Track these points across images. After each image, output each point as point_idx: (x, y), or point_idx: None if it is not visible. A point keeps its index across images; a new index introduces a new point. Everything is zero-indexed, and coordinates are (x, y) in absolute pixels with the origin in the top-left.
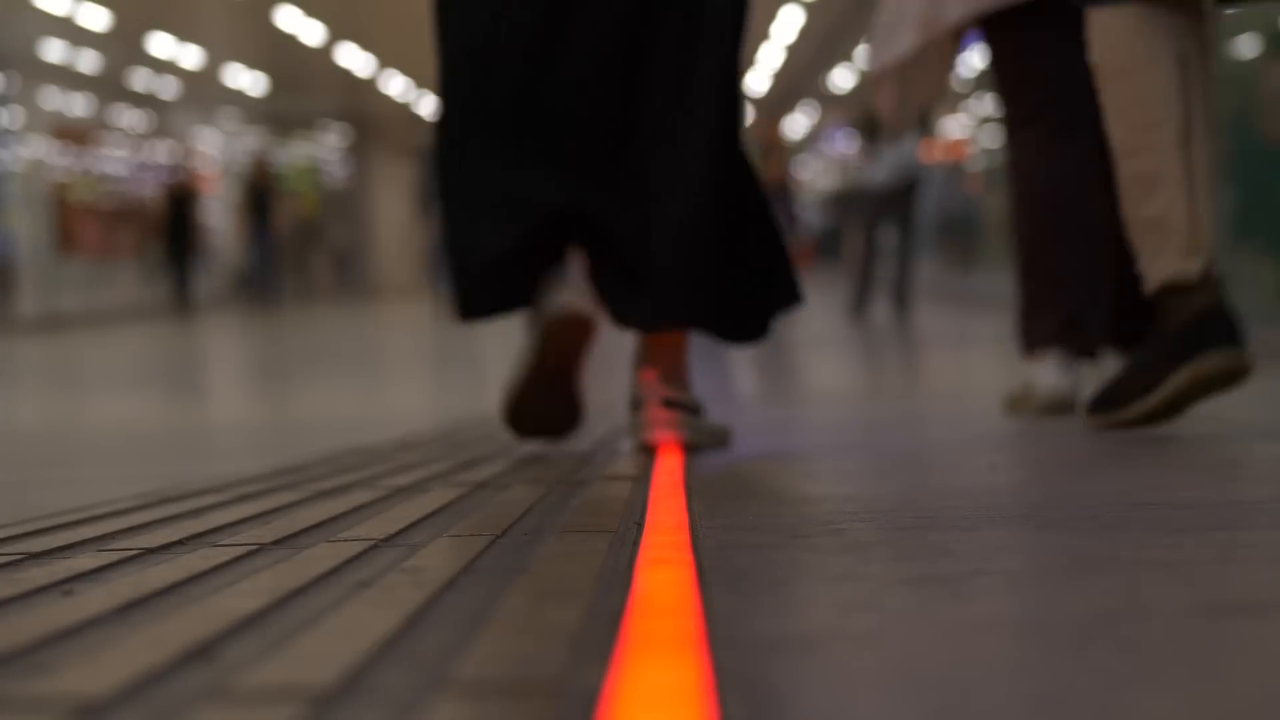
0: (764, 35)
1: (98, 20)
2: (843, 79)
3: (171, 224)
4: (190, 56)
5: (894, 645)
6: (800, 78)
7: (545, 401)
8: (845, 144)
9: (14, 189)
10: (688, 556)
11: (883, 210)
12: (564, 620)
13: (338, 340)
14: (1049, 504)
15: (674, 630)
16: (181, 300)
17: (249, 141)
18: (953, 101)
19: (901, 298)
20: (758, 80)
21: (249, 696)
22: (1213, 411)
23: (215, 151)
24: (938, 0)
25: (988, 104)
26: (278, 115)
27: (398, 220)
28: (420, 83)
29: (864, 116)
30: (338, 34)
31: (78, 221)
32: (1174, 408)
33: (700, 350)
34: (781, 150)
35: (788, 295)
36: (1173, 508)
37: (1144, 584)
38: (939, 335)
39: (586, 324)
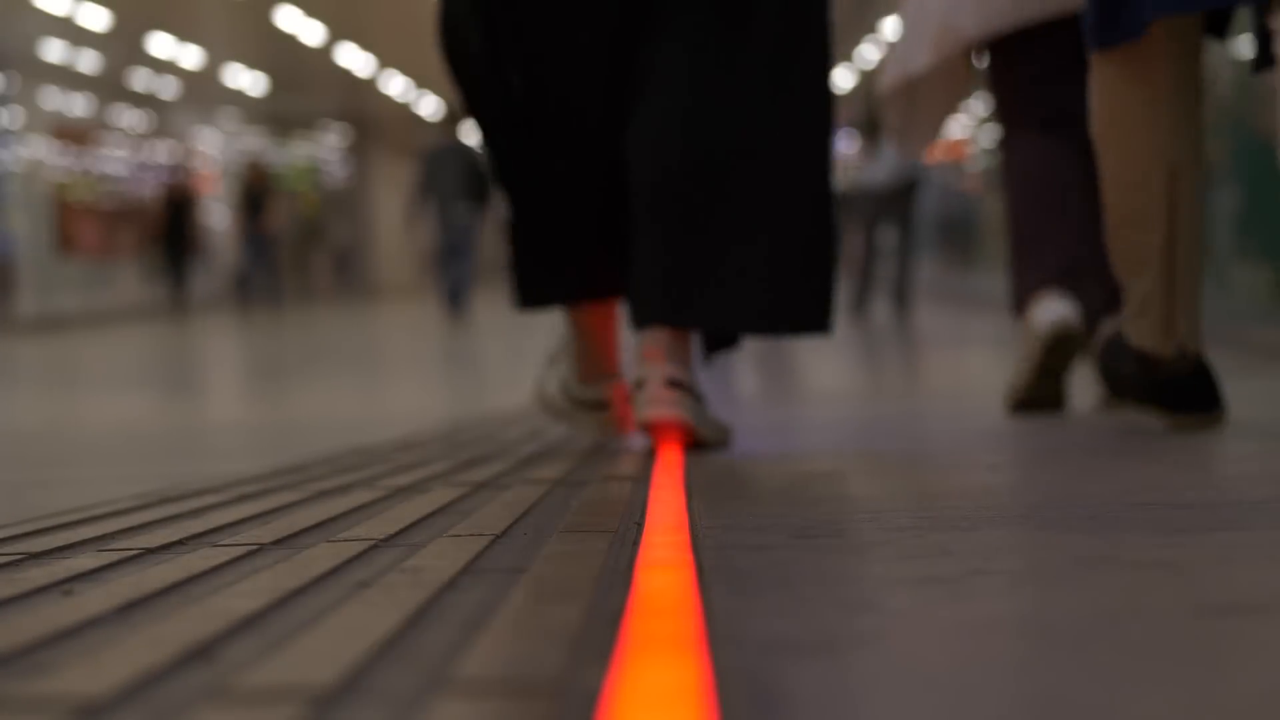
0: None
1: (98, 20)
2: (843, 79)
3: (169, 225)
4: (190, 56)
5: (894, 645)
6: None
7: None
8: (845, 144)
9: (14, 189)
10: (688, 556)
11: (883, 210)
12: (564, 620)
13: (337, 340)
14: (1049, 504)
15: (674, 630)
16: (179, 301)
17: (247, 142)
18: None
19: (901, 297)
20: None
21: (249, 696)
22: None
23: (215, 151)
24: (953, 16)
25: (987, 104)
26: (278, 115)
27: (397, 220)
28: (420, 83)
29: (864, 116)
30: (338, 34)
31: (77, 222)
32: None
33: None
34: None
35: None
36: (1173, 508)
37: (1144, 584)
38: (939, 335)
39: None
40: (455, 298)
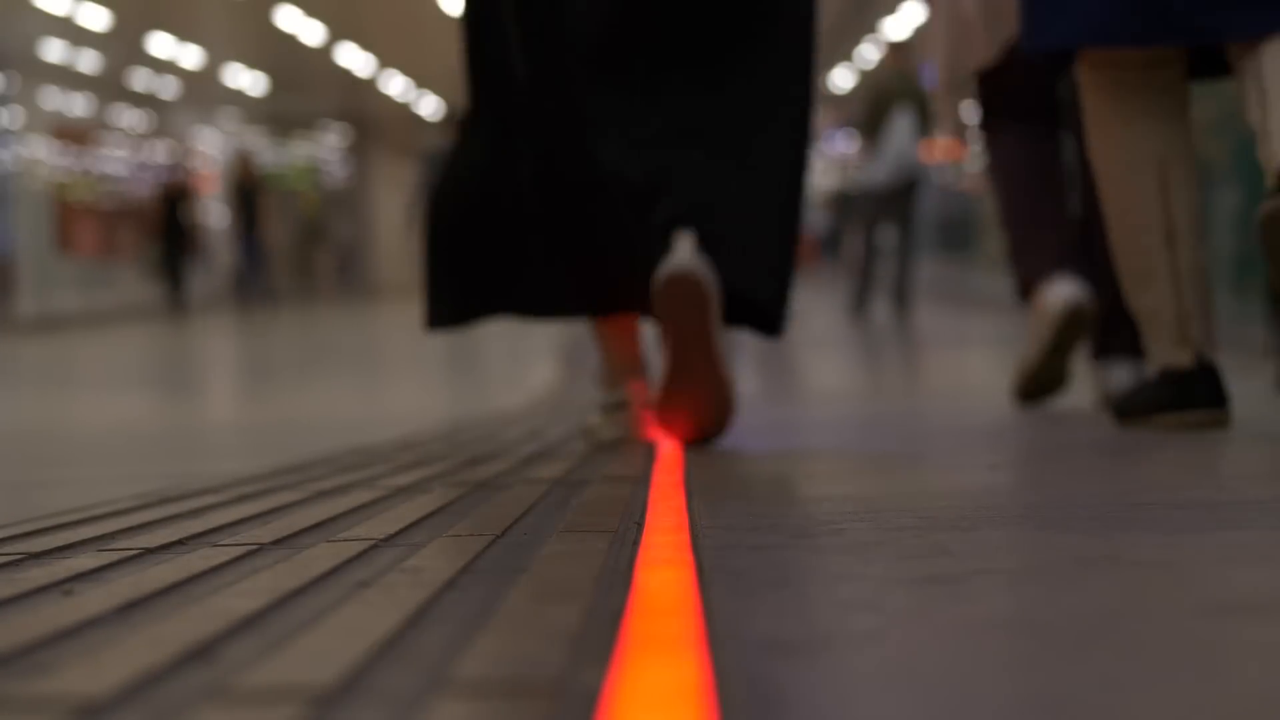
0: None
1: (98, 20)
2: (843, 79)
3: (166, 224)
4: (190, 56)
5: (894, 645)
6: None
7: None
8: (845, 144)
9: (13, 189)
10: (688, 556)
11: (883, 210)
12: (564, 620)
13: (336, 340)
14: (1049, 504)
15: (674, 630)
16: (176, 301)
17: (246, 142)
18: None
19: (901, 297)
20: None
21: (249, 696)
22: None
23: (215, 151)
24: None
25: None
26: (278, 115)
27: (398, 220)
28: (420, 83)
29: (864, 116)
30: (338, 34)
31: (77, 221)
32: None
33: None
34: None
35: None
36: (1173, 508)
37: (1144, 584)
38: (939, 335)
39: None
40: None
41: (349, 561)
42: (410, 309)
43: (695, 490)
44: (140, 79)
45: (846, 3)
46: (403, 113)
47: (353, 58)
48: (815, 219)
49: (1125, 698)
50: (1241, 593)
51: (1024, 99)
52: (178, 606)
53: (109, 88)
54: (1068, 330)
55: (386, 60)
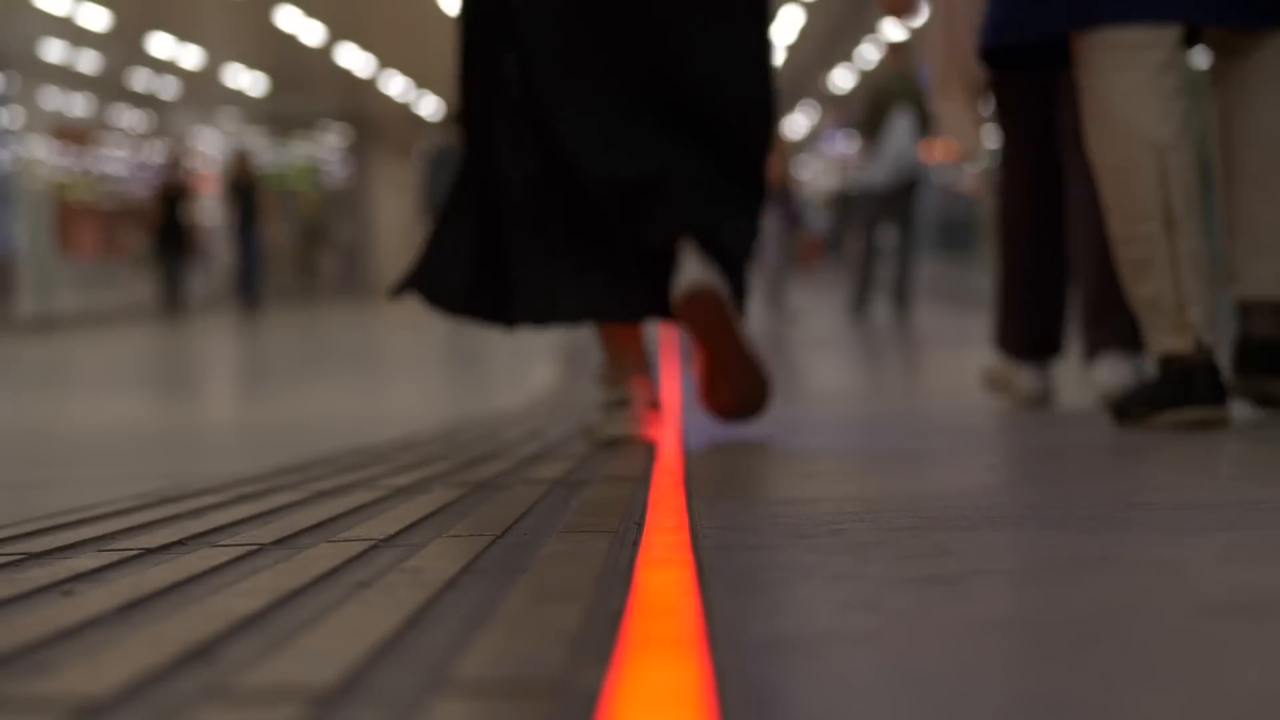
0: None
1: (98, 20)
2: (843, 79)
3: (164, 223)
4: (190, 56)
5: (894, 645)
6: (800, 78)
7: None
8: (845, 144)
9: (13, 189)
10: (688, 556)
11: (883, 210)
12: (564, 620)
13: (336, 340)
14: (1049, 504)
15: (674, 630)
16: (173, 301)
17: (245, 141)
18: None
19: (902, 298)
20: None
21: (249, 696)
22: None
23: (215, 151)
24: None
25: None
26: (278, 115)
27: (398, 220)
28: (420, 83)
29: (864, 116)
30: (338, 34)
31: (77, 222)
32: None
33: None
34: (782, 151)
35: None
36: (1173, 508)
37: (1144, 584)
38: (939, 335)
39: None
40: None
41: (349, 562)
42: (410, 309)
43: (695, 490)
44: (140, 79)
45: (846, 3)
46: (403, 113)
47: (353, 58)
48: (816, 219)
49: (1125, 698)
50: (1241, 593)
51: (1029, 110)
52: (178, 606)
53: (109, 88)
54: (1028, 408)
55: (386, 60)
